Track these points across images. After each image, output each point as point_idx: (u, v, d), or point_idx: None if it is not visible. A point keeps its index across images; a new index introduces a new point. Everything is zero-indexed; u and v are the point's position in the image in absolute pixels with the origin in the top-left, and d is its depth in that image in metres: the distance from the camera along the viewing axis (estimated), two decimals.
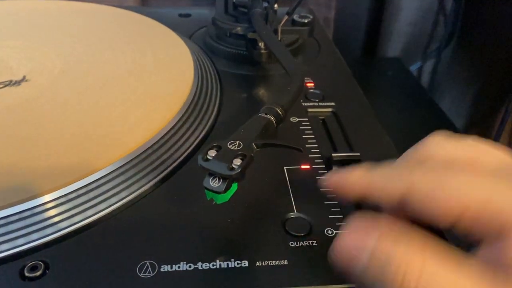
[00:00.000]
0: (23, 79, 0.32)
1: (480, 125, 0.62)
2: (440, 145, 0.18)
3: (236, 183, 0.21)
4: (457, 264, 0.14)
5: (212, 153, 0.21)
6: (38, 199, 0.21)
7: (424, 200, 0.15)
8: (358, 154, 0.27)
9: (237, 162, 0.20)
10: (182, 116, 0.29)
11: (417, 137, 0.20)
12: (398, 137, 0.32)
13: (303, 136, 0.30)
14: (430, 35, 0.61)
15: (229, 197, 0.21)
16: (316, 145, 0.29)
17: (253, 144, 0.22)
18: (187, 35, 0.44)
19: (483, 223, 0.15)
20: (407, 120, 0.55)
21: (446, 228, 0.16)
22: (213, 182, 0.20)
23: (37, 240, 0.21)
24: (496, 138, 0.56)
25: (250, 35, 0.37)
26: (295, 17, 0.40)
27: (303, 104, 0.33)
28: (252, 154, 0.21)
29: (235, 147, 0.21)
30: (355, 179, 0.18)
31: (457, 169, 0.16)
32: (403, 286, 0.14)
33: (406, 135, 0.48)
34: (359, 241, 0.15)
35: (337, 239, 0.16)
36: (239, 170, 0.20)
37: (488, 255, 0.14)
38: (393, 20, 0.63)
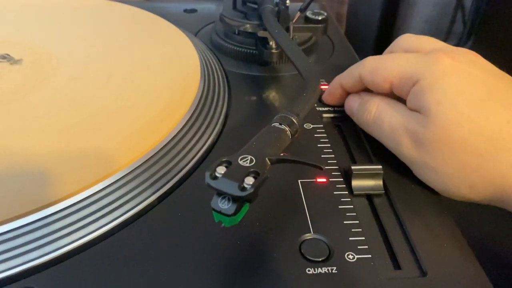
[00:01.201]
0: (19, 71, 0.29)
1: None
2: (404, 40, 0.29)
3: (248, 204, 0.19)
4: (396, 106, 0.26)
5: (221, 169, 0.18)
6: (20, 220, 0.19)
7: (368, 81, 0.27)
8: (380, 167, 0.24)
9: (249, 181, 0.18)
10: (187, 122, 0.26)
11: None
12: None
13: (318, 145, 0.28)
14: (447, 33, 0.59)
15: (240, 219, 0.18)
16: (333, 155, 0.27)
17: (266, 159, 0.19)
18: (193, 32, 0.41)
19: (404, 84, 0.25)
20: None
21: (389, 92, 0.26)
22: (222, 203, 0.18)
23: (22, 265, 0.19)
24: None
25: (260, 33, 0.34)
26: (308, 14, 0.38)
27: (317, 108, 0.31)
28: (266, 171, 0.19)
29: (246, 163, 0.19)
30: (335, 86, 0.30)
31: (387, 56, 0.27)
32: (369, 115, 0.27)
33: None
34: (355, 99, 0.29)
35: (346, 100, 0.29)
36: (252, 190, 0.17)
37: (409, 99, 0.25)
38: (408, 17, 0.61)
